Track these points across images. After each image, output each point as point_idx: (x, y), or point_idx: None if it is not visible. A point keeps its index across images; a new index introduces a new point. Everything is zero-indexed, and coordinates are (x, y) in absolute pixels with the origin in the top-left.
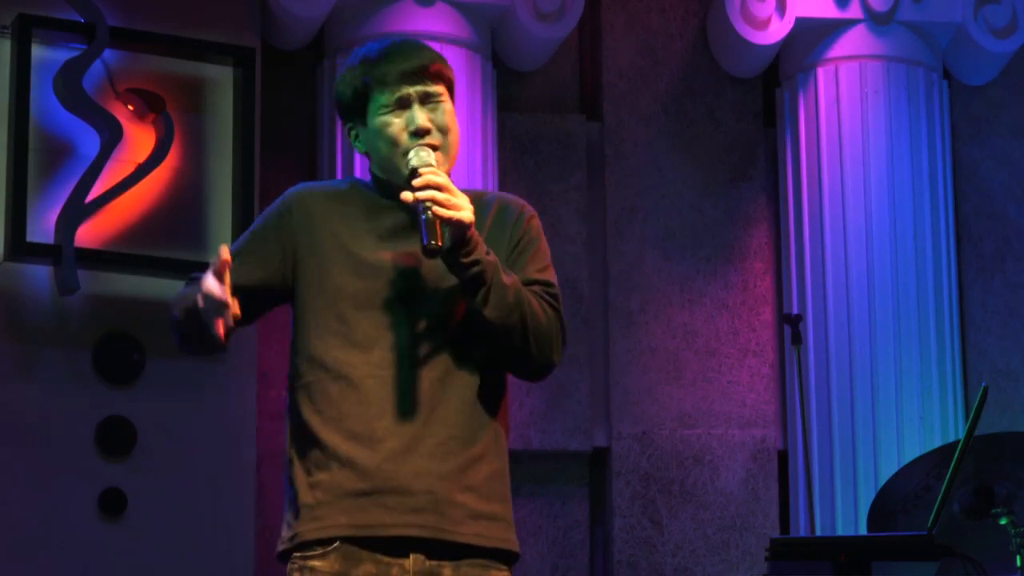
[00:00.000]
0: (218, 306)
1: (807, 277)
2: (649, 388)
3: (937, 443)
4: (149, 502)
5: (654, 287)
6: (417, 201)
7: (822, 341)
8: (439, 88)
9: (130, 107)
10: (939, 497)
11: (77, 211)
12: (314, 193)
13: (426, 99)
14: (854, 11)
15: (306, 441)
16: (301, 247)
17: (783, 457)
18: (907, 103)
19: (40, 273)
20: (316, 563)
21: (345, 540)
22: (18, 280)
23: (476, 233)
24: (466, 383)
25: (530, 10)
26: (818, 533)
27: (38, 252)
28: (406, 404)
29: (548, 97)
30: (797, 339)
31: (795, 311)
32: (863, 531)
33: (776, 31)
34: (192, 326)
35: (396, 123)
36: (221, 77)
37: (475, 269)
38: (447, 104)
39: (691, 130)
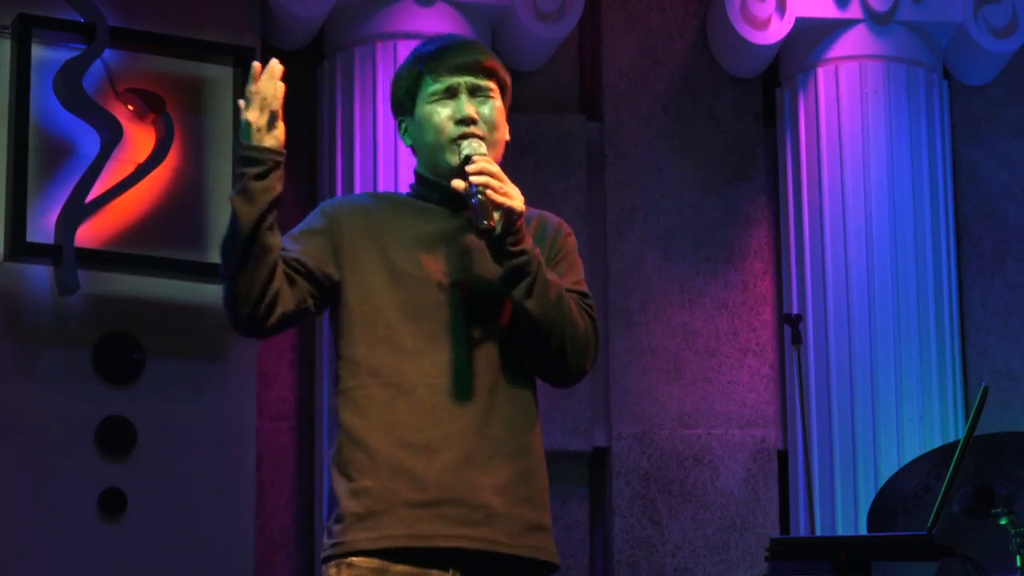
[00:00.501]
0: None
1: (807, 277)
2: (649, 388)
3: (937, 443)
4: (149, 502)
5: (654, 287)
6: (470, 185)
7: (822, 341)
8: (490, 84)
9: (130, 107)
10: (939, 497)
11: (77, 211)
12: (354, 202)
13: (475, 91)
14: (854, 11)
15: (349, 446)
16: (344, 253)
17: (783, 457)
18: (907, 103)
19: (40, 273)
20: (356, 559)
21: (391, 549)
22: (18, 280)
23: (524, 226)
24: (514, 394)
25: (530, 10)
26: (818, 533)
27: (38, 252)
28: (461, 414)
29: (548, 97)
30: (797, 339)
31: (795, 311)
32: (863, 531)
33: (776, 31)
34: (242, 234)
35: (442, 112)
36: (221, 77)
37: (522, 258)
38: (497, 101)
39: (691, 130)
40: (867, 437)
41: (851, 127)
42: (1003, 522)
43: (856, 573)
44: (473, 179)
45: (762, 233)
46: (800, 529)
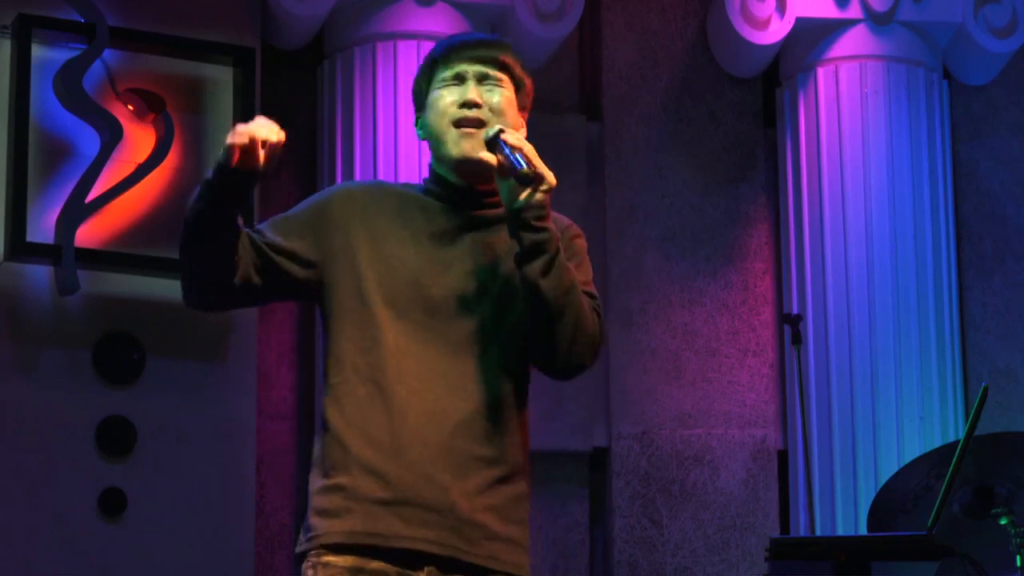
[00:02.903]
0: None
1: (807, 277)
2: (649, 388)
3: (937, 443)
4: (149, 502)
5: (654, 287)
6: (505, 147)
7: (822, 341)
8: (501, 75)
9: (130, 107)
10: (939, 497)
11: (77, 211)
12: (360, 190)
13: (483, 79)
14: (854, 11)
15: (328, 443)
16: (337, 244)
17: (783, 457)
18: (907, 103)
19: (40, 273)
20: (331, 558)
21: (362, 546)
22: (18, 280)
23: (550, 208)
24: (498, 400)
25: (530, 10)
26: (818, 533)
27: (38, 252)
28: (436, 416)
29: (548, 97)
30: (797, 339)
31: (795, 311)
32: (863, 531)
33: (776, 31)
34: (209, 219)
35: (448, 97)
36: (221, 77)
37: (543, 235)
38: (507, 91)
39: (691, 130)
40: (867, 437)
41: (851, 127)
42: (1003, 522)
43: (856, 573)
44: (511, 140)
45: (762, 233)
46: (800, 529)
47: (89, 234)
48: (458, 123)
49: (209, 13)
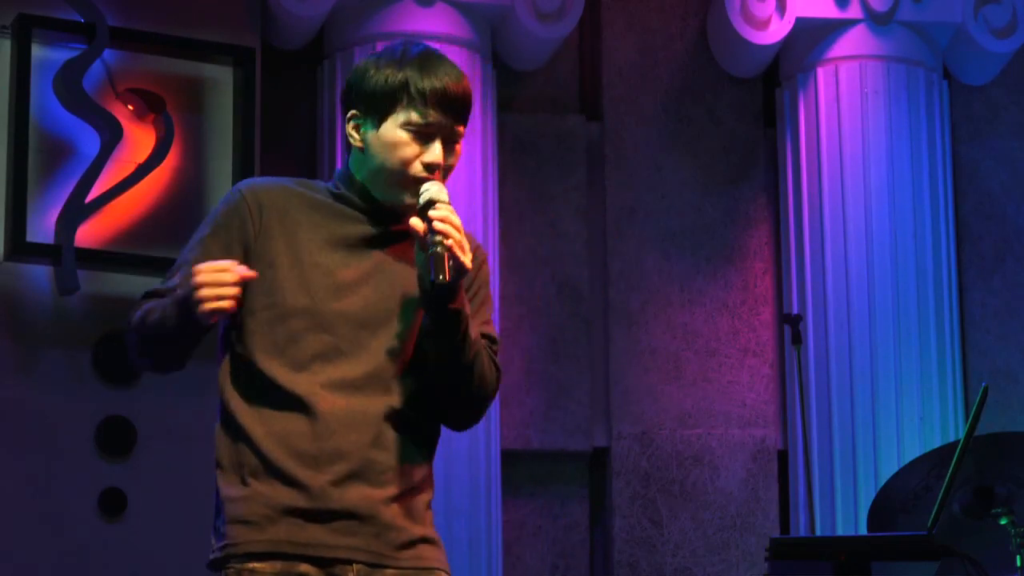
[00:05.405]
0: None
1: (807, 277)
2: (649, 388)
3: (937, 443)
4: (149, 502)
5: (654, 287)
6: (430, 232)
7: (822, 341)
8: (462, 131)
9: (130, 107)
10: (939, 497)
11: (77, 211)
12: (269, 192)
13: (450, 138)
14: (854, 11)
15: (243, 450)
16: (254, 250)
17: (783, 457)
18: (907, 103)
19: (40, 273)
20: (256, 564)
21: (287, 552)
22: (18, 280)
23: (463, 283)
24: (412, 411)
25: (530, 10)
26: (818, 533)
27: (38, 252)
28: (356, 427)
29: (548, 97)
30: (797, 339)
31: (795, 311)
32: (863, 531)
33: (776, 31)
34: (170, 331)
35: (413, 148)
36: (221, 77)
37: (454, 318)
38: (459, 148)
39: (691, 130)
40: (867, 437)
41: (851, 127)
42: (1003, 522)
43: (856, 573)
44: (437, 226)
45: (762, 233)
46: (800, 529)
47: (89, 234)
48: (418, 180)
49: (209, 13)
